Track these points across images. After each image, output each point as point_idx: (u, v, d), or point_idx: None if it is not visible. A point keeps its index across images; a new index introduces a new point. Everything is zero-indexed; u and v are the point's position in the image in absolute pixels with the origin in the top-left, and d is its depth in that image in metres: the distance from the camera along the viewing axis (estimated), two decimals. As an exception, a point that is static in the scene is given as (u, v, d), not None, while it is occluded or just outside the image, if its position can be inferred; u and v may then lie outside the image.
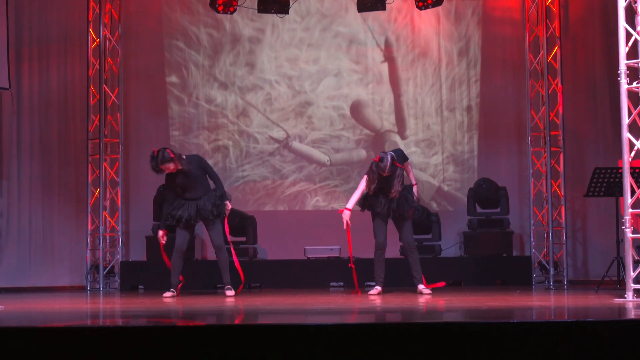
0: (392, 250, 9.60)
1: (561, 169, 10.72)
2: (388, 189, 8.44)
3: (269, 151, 11.41)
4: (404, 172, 8.56)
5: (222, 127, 11.39)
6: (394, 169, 8.35)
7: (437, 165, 11.41)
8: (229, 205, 8.64)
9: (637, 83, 7.15)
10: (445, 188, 11.42)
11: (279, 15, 10.76)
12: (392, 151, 8.58)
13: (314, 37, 11.47)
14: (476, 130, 11.40)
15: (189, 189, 8.57)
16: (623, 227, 7.10)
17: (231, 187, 10.95)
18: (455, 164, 11.38)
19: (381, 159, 8.36)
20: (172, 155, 8.37)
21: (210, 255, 10.57)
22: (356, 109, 11.46)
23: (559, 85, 10.72)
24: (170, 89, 11.39)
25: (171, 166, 8.40)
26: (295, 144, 11.41)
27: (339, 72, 11.44)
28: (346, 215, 8.56)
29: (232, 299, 8.19)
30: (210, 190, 8.65)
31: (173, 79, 11.39)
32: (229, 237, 8.90)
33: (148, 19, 11.40)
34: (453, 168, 11.34)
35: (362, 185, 8.59)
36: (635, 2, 7.12)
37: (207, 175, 8.66)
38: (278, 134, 11.40)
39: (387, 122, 11.46)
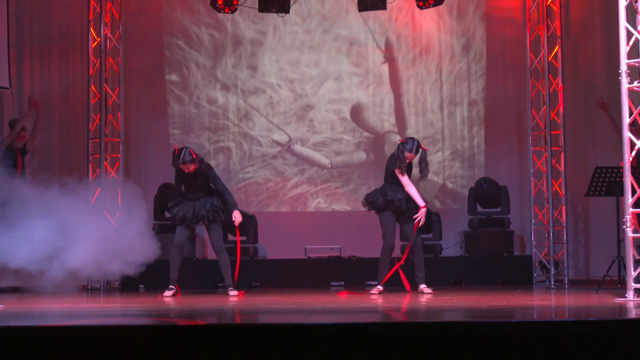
0: (394, 249, 9.59)
1: (562, 168, 10.71)
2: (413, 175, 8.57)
3: (272, 154, 11.44)
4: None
5: (224, 128, 11.40)
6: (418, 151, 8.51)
7: (440, 162, 11.41)
8: (238, 216, 8.68)
9: (638, 82, 7.14)
10: (450, 185, 11.42)
11: (279, 14, 10.76)
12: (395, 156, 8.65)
13: (314, 39, 11.48)
14: (483, 125, 11.40)
15: (191, 189, 8.70)
16: (624, 227, 7.10)
17: (234, 188, 10.96)
18: (460, 160, 11.39)
19: (407, 140, 8.56)
20: (194, 157, 8.47)
21: (211, 254, 10.56)
22: (356, 111, 11.48)
23: (560, 84, 10.71)
24: (170, 87, 11.39)
25: (191, 166, 8.52)
26: (297, 147, 11.45)
27: (340, 75, 11.47)
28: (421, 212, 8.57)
29: (235, 298, 8.20)
30: (211, 195, 8.69)
31: (173, 77, 11.40)
32: (239, 245, 8.98)
33: (149, 19, 11.41)
34: (458, 164, 11.35)
35: (409, 183, 8.63)
36: (636, 2, 7.12)
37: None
38: (280, 137, 11.43)
39: (387, 123, 11.47)
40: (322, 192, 11.43)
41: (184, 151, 8.52)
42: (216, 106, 11.42)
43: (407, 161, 8.58)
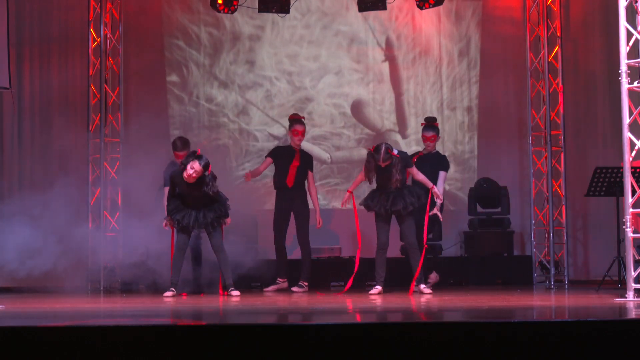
0: (393, 250, 9.59)
1: (562, 168, 10.71)
2: (388, 181, 8.50)
3: (269, 148, 11.37)
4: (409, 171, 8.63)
5: (222, 126, 11.38)
6: (389, 158, 8.44)
7: (438, 164, 11.40)
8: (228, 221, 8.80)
9: (638, 83, 7.15)
10: (447, 187, 11.41)
11: (279, 14, 10.75)
12: (399, 152, 8.65)
13: (314, 35, 11.46)
14: (476, 131, 11.41)
15: (190, 197, 8.57)
16: (624, 227, 7.11)
17: (231, 185, 10.91)
18: (457, 163, 11.38)
19: (377, 149, 8.54)
20: (208, 165, 8.45)
21: (211, 255, 10.53)
22: (357, 108, 11.46)
23: (560, 84, 10.71)
24: (170, 88, 11.38)
25: (195, 176, 8.39)
26: (296, 141, 11.38)
27: (340, 70, 11.44)
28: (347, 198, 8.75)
29: (237, 299, 8.19)
30: (211, 203, 8.62)
31: (174, 78, 11.38)
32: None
33: (148, 19, 11.40)
34: (454, 167, 11.33)
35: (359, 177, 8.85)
36: (636, 2, 7.12)
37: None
38: (278, 130, 11.39)
39: (388, 121, 11.46)
40: (321, 189, 11.37)
41: (204, 159, 8.42)
42: (214, 104, 11.39)
43: (383, 167, 8.58)
